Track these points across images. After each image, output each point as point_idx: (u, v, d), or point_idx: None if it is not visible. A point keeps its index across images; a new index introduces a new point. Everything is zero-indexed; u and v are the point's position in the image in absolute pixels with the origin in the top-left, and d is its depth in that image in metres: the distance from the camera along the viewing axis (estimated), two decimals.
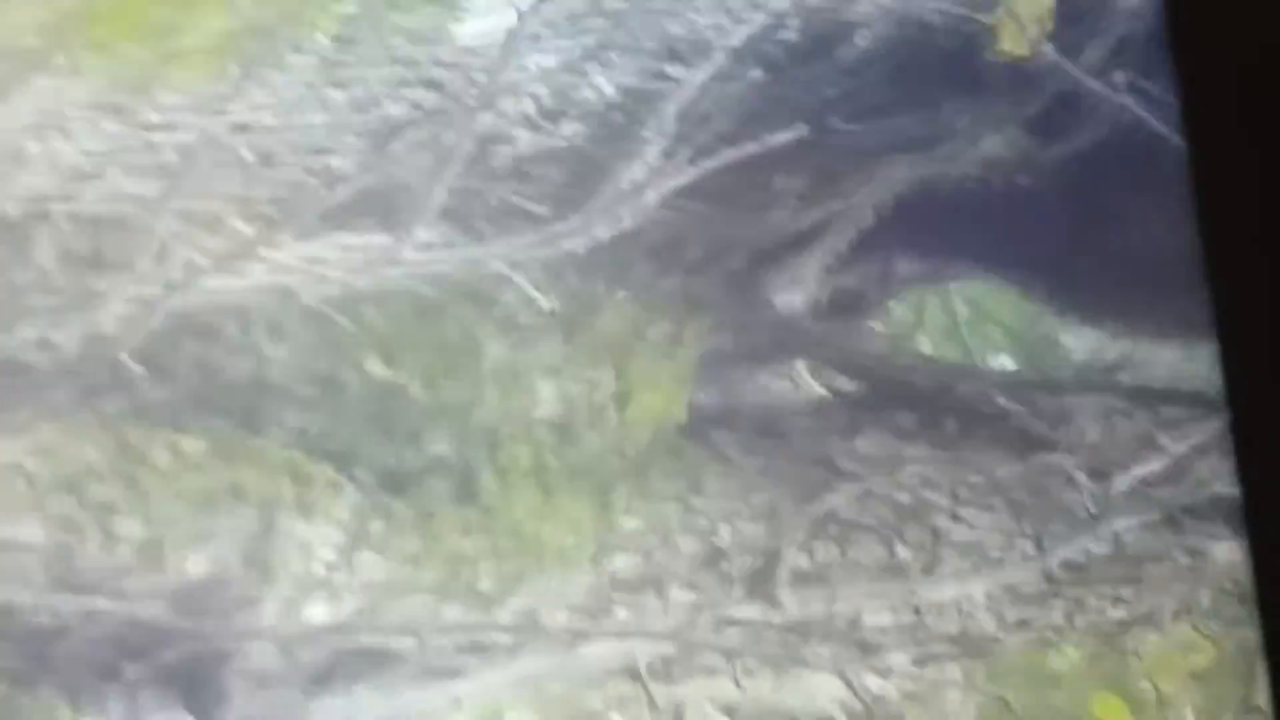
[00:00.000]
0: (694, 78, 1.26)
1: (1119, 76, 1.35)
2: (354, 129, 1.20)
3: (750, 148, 1.26)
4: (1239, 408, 1.25)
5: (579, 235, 1.21)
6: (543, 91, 1.24)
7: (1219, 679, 1.33)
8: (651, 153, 1.24)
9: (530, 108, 1.23)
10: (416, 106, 1.22)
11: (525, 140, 1.23)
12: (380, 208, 1.18)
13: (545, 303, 1.20)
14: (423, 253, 1.17)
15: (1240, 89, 1.23)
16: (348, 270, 1.16)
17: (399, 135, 1.21)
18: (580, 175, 1.24)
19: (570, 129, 1.24)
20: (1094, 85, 1.32)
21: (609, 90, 1.26)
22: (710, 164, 1.25)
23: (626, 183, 1.23)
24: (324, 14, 1.21)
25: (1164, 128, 1.35)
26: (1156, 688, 1.33)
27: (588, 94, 1.25)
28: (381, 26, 1.21)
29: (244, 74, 1.18)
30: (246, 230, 1.14)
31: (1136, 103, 1.35)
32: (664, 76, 1.28)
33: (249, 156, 1.17)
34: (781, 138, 1.27)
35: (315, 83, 1.19)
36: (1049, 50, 1.32)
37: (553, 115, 1.24)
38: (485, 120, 1.22)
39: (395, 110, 1.21)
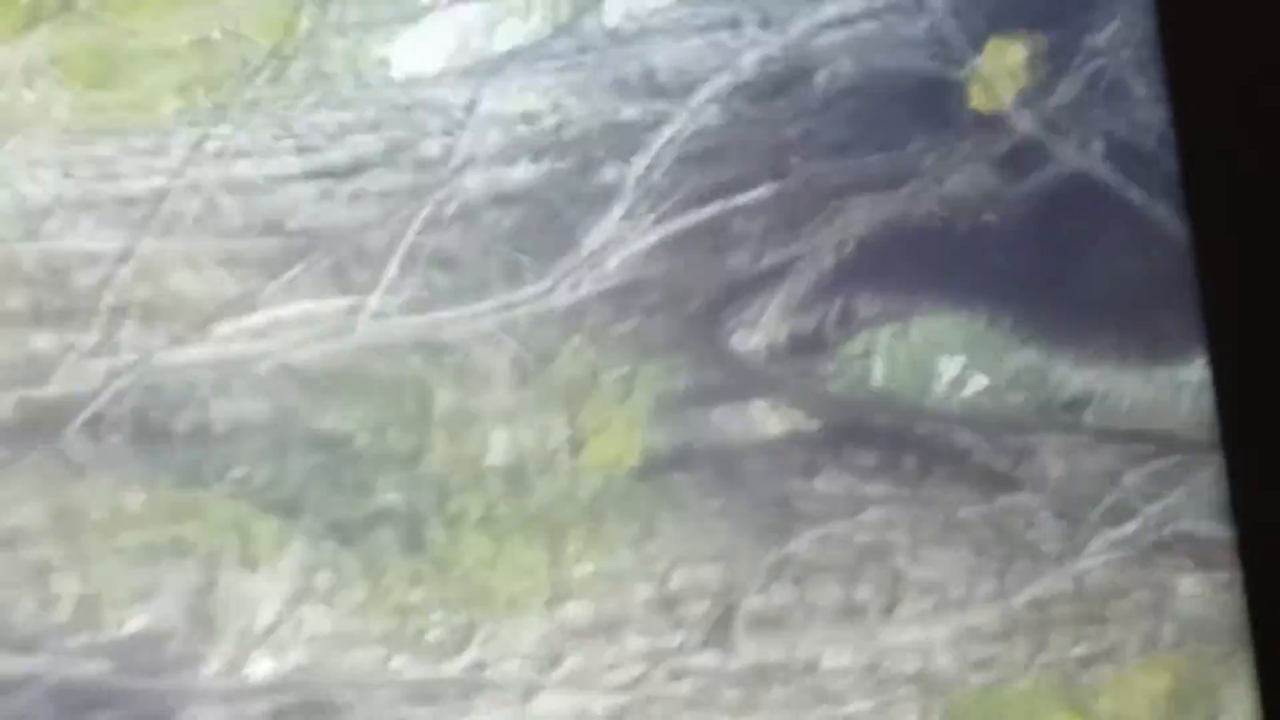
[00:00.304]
0: (654, 138, 1.21)
1: (1095, 114, 1.30)
2: (299, 178, 1.15)
3: (713, 209, 1.21)
4: (1231, 432, 1.20)
5: (536, 302, 1.16)
6: (494, 134, 1.19)
7: (1180, 701, 1.28)
8: (612, 216, 1.18)
9: (481, 151, 1.18)
10: (363, 153, 1.16)
11: (475, 184, 1.18)
12: (333, 267, 1.13)
13: (499, 364, 1.15)
14: (378, 321, 1.12)
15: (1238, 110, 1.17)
16: (299, 344, 1.11)
17: (346, 183, 1.16)
18: (534, 220, 1.19)
19: (522, 172, 1.19)
20: (1060, 143, 1.26)
21: (562, 131, 1.21)
22: (672, 226, 1.20)
23: (586, 250, 1.18)
24: (264, 55, 1.15)
25: (1127, 168, 1.30)
26: (1115, 710, 1.28)
27: (540, 136, 1.20)
28: (324, 66, 1.15)
29: (185, 121, 1.13)
30: (196, 296, 1.09)
31: (1107, 146, 1.30)
32: (619, 118, 1.23)
33: (196, 210, 1.12)
34: (745, 197, 1.22)
35: (257, 126, 1.13)
36: (1019, 106, 1.27)
37: (506, 158, 1.19)
38: (443, 175, 1.16)
39: (339, 157, 1.16)
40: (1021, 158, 1.28)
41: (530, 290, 1.16)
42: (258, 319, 1.11)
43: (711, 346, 1.24)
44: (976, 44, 1.28)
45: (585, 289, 1.18)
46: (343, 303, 1.13)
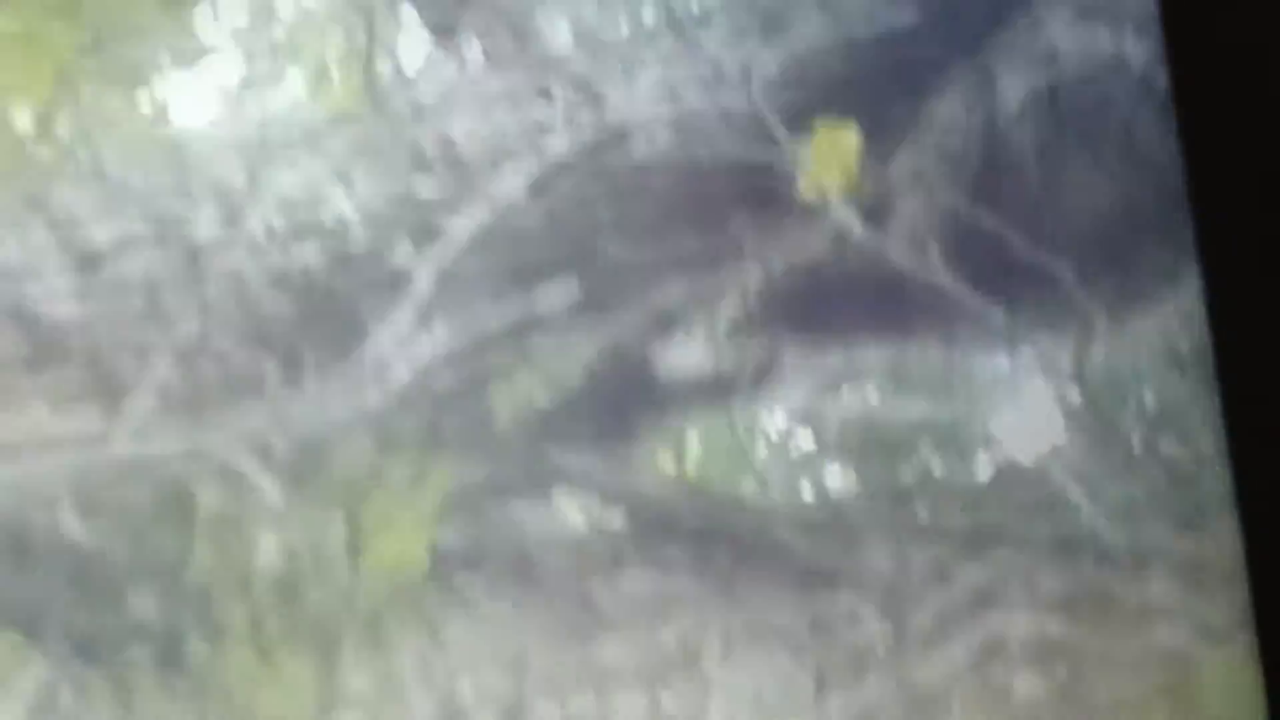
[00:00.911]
0: (451, 224, 1.08)
1: (938, 197, 1.18)
2: (55, 262, 1.02)
3: (514, 308, 1.09)
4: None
5: (315, 419, 1.04)
6: (273, 214, 1.06)
7: None
8: (403, 317, 1.06)
9: (258, 230, 1.05)
10: (128, 236, 1.04)
11: (250, 267, 1.05)
12: (89, 365, 1.01)
13: (270, 463, 1.03)
14: (136, 441, 1.00)
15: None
16: (46, 461, 0.99)
17: (104, 268, 1.03)
18: (315, 307, 1.07)
19: (303, 254, 1.07)
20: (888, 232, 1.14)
21: (349, 210, 1.08)
22: (471, 331, 1.08)
23: (371, 360, 1.05)
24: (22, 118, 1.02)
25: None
26: None
27: (323, 215, 1.07)
28: (89, 129, 1.03)
29: None
30: None
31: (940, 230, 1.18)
32: (415, 196, 1.10)
33: None
34: (551, 297, 1.10)
35: (11, 205, 1.01)
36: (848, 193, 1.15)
37: (284, 240, 1.06)
38: (222, 265, 1.04)
39: (102, 237, 1.03)
40: (848, 241, 1.16)
41: (310, 403, 1.04)
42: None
43: (511, 437, 1.12)
44: (805, 126, 1.15)
45: (370, 397, 1.06)
46: (95, 415, 1.01)
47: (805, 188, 1.14)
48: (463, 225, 1.10)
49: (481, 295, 1.10)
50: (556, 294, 1.11)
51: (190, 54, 1.09)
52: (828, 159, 1.14)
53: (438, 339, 1.08)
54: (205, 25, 1.09)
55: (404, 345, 1.07)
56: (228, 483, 1.04)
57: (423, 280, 1.08)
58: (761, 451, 1.18)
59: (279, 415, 1.06)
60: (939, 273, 1.16)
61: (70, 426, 1.02)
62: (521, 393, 1.12)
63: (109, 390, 1.02)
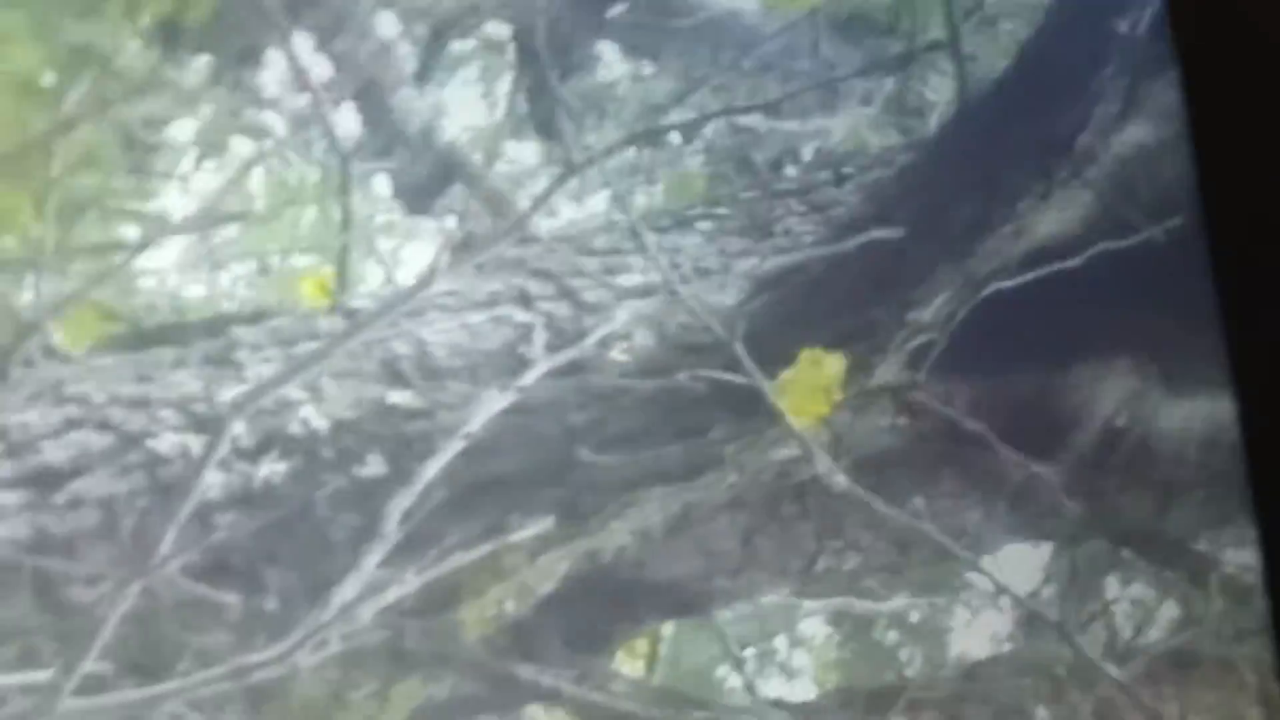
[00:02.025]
0: (423, 447, 1.01)
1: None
2: (8, 483, 0.94)
3: (487, 548, 1.01)
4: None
5: (275, 666, 0.96)
6: (239, 426, 0.98)
7: None
8: (368, 563, 0.98)
9: (223, 445, 0.97)
10: (85, 453, 0.96)
11: (217, 483, 0.97)
12: (40, 611, 0.93)
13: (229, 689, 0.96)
14: (85, 698, 0.92)
15: None
16: None
17: (62, 489, 0.96)
18: (280, 527, 0.99)
19: (270, 469, 0.99)
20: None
21: (318, 423, 1.00)
22: (438, 571, 1.00)
23: (336, 606, 0.97)
24: None
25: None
26: None
27: (294, 428, 0.99)
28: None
29: None
30: None
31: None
32: (383, 405, 1.03)
33: None
34: (525, 533, 1.02)
35: None
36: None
37: (250, 454, 0.98)
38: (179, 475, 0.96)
39: (58, 457, 0.96)
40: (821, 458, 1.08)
41: (271, 651, 0.96)
42: None
43: (477, 654, 1.04)
44: (786, 352, 1.07)
45: (333, 648, 0.98)
46: (48, 674, 0.93)
47: (788, 408, 1.06)
48: (439, 439, 1.02)
49: (450, 551, 1.02)
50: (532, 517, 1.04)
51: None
52: (811, 381, 1.07)
53: (407, 582, 1.01)
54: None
55: (372, 591, 0.99)
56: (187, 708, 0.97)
57: (389, 534, 1.00)
58: (733, 656, 1.12)
59: (241, 648, 0.98)
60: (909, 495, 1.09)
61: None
62: (491, 605, 1.04)
63: (60, 671, 0.94)
